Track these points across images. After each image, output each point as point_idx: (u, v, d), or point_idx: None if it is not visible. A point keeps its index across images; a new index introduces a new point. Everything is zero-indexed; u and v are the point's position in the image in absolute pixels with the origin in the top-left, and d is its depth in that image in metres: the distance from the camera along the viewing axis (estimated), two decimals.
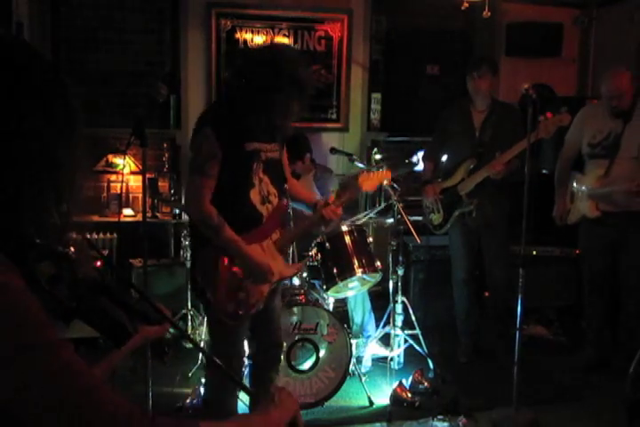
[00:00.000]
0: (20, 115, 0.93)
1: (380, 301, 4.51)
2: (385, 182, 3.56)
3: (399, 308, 3.96)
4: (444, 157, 4.17)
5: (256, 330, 2.89)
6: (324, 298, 3.84)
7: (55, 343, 0.90)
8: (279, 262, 2.81)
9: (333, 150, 4.43)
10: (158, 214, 5.07)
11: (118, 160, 4.74)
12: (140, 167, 4.81)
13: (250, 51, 2.52)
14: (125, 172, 4.88)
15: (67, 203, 0.99)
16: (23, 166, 0.93)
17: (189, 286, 4.09)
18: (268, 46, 3.36)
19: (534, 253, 4.82)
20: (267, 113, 2.59)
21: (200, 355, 3.91)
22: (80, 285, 1.04)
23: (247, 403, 2.92)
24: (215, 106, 2.90)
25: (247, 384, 3.09)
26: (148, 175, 3.98)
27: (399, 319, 3.96)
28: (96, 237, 4.77)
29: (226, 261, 2.64)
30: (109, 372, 1.30)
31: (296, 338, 3.48)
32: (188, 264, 4.15)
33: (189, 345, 3.66)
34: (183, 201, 2.60)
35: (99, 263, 1.19)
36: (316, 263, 3.75)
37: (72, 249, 1.05)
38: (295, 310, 3.47)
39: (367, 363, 4.03)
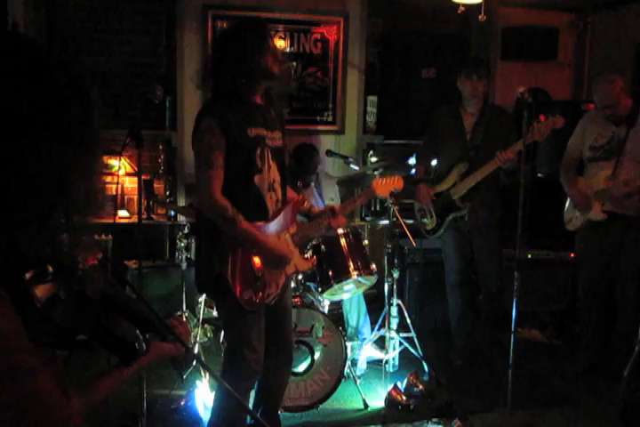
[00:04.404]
0: (35, 133, 0.89)
1: (375, 303, 4.51)
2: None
3: (394, 310, 3.96)
4: (434, 162, 4.14)
5: (269, 331, 2.87)
6: (319, 300, 3.84)
7: (28, 370, 0.85)
8: (295, 255, 2.84)
9: (329, 153, 4.44)
10: (154, 216, 5.08)
11: (114, 161, 4.73)
12: (136, 169, 4.80)
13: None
14: (121, 173, 4.86)
15: (76, 226, 0.95)
16: (32, 187, 0.89)
17: (192, 284, 4.00)
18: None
19: (529, 256, 4.82)
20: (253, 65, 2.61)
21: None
22: (87, 303, 1.02)
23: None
24: (210, 100, 2.86)
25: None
26: (143, 177, 3.98)
27: (394, 322, 3.96)
28: None
29: (244, 249, 2.66)
30: (115, 387, 1.23)
31: None
32: (184, 266, 4.14)
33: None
34: (197, 196, 2.63)
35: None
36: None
37: (82, 266, 1.02)
38: None
39: (362, 366, 4.03)
